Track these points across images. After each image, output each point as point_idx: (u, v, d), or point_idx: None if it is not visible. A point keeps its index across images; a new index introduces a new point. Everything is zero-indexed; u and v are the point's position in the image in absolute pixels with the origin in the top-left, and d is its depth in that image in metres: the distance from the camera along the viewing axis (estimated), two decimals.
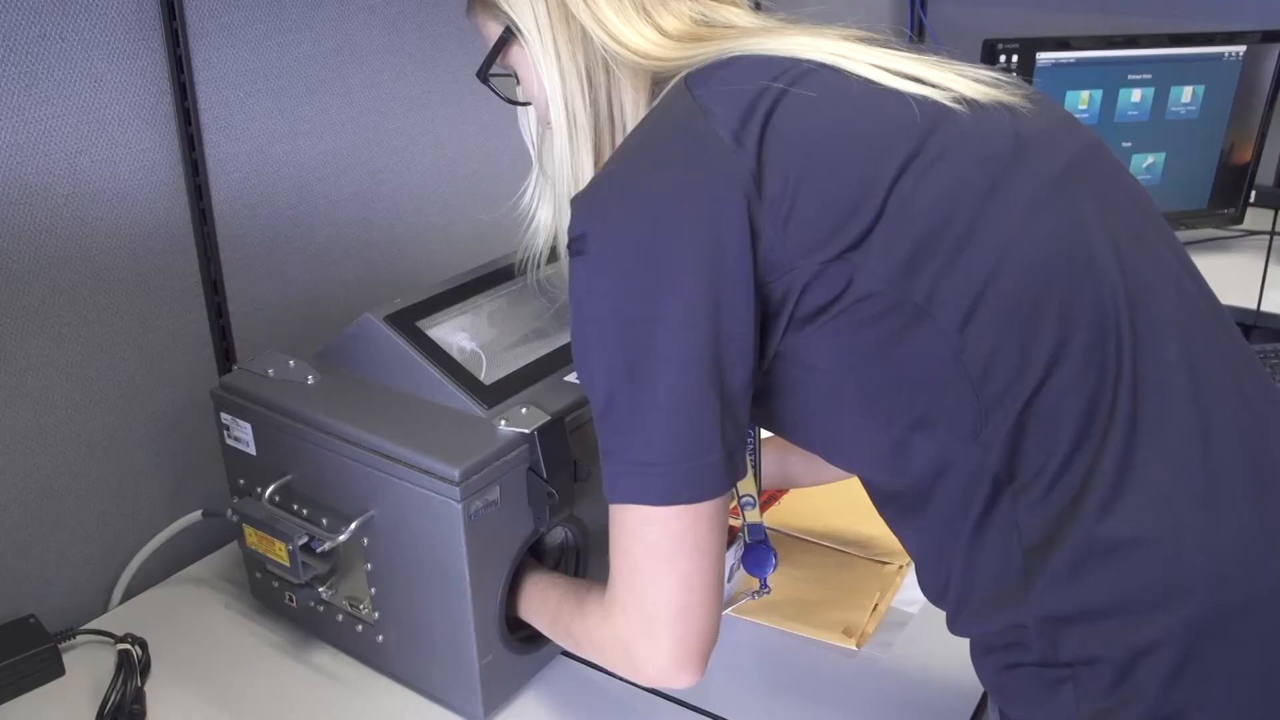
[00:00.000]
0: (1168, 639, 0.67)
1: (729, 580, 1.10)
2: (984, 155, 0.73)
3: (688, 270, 0.70)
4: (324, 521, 1.01)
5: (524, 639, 1.04)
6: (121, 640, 1.08)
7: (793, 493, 1.35)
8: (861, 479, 0.84)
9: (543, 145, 0.92)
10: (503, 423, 0.97)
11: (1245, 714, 0.67)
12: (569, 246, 0.74)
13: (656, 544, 0.74)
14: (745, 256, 0.70)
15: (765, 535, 1.08)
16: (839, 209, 0.70)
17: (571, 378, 1.06)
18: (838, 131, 0.73)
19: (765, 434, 1.10)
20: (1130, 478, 0.69)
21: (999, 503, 0.72)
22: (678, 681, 0.77)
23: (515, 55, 0.88)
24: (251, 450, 1.07)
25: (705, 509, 0.74)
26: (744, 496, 1.06)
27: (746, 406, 0.74)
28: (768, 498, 1.34)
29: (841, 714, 1.01)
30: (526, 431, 0.96)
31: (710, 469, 0.72)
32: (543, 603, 0.96)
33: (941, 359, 0.71)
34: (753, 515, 1.06)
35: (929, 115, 0.74)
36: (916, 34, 2.76)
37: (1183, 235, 1.68)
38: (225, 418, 1.08)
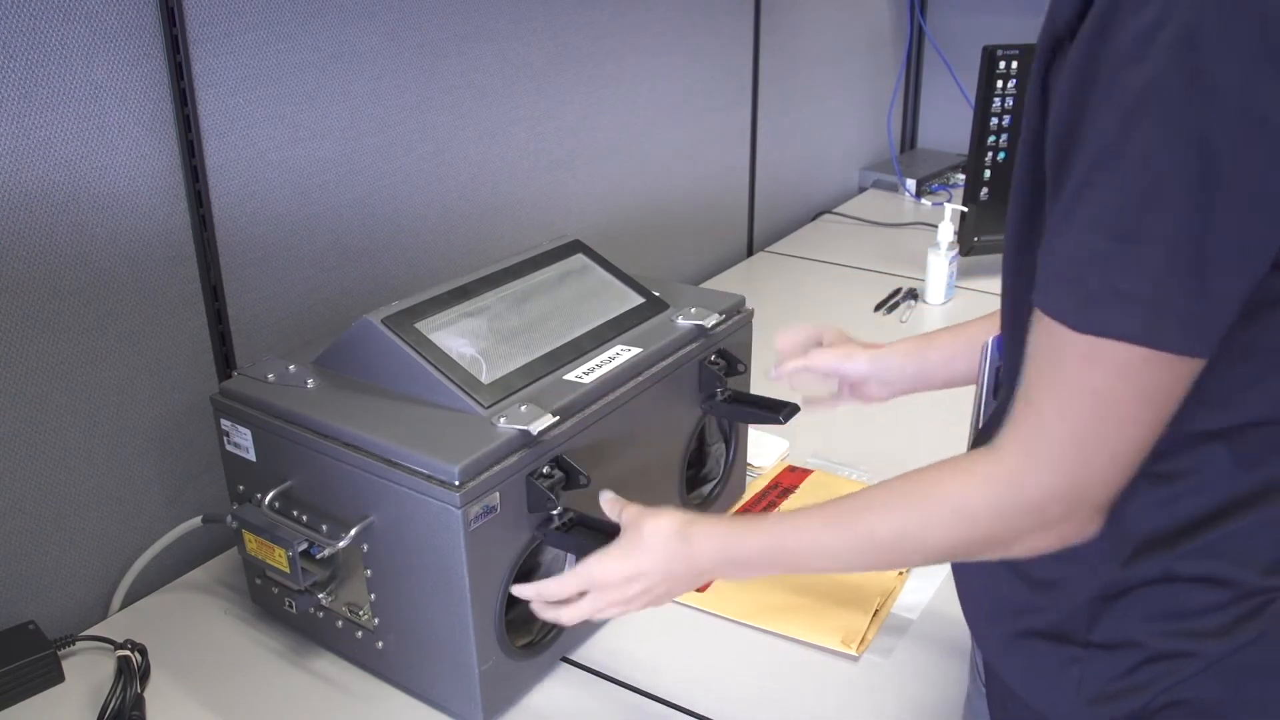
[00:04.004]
0: None
1: None
2: None
3: None
4: (324, 527, 1.01)
5: (524, 645, 1.04)
6: (121, 646, 1.08)
7: (793, 499, 1.35)
8: None
9: None
10: (503, 420, 0.97)
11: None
12: None
13: (1128, 392, 0.63)
14: None
15: None
16: None
17: (571, 376, 1.06)
18: None
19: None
20: None
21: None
22: (1088, 530, 0.68)
23: None
24: (251, 456, 1.07)
25: (1186, 371, 0.62)
26: None
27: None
28: (766, 504, 1.34)
29: None
30: (526, 428, 0.96)
31: (1220, 323, 0.60)
32: (777, 522, 0.81)
33: None
34: None
35: None
36: (916, 40, 2.77)
37: None
38: (225, 424, 1.08)
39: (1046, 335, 0.64)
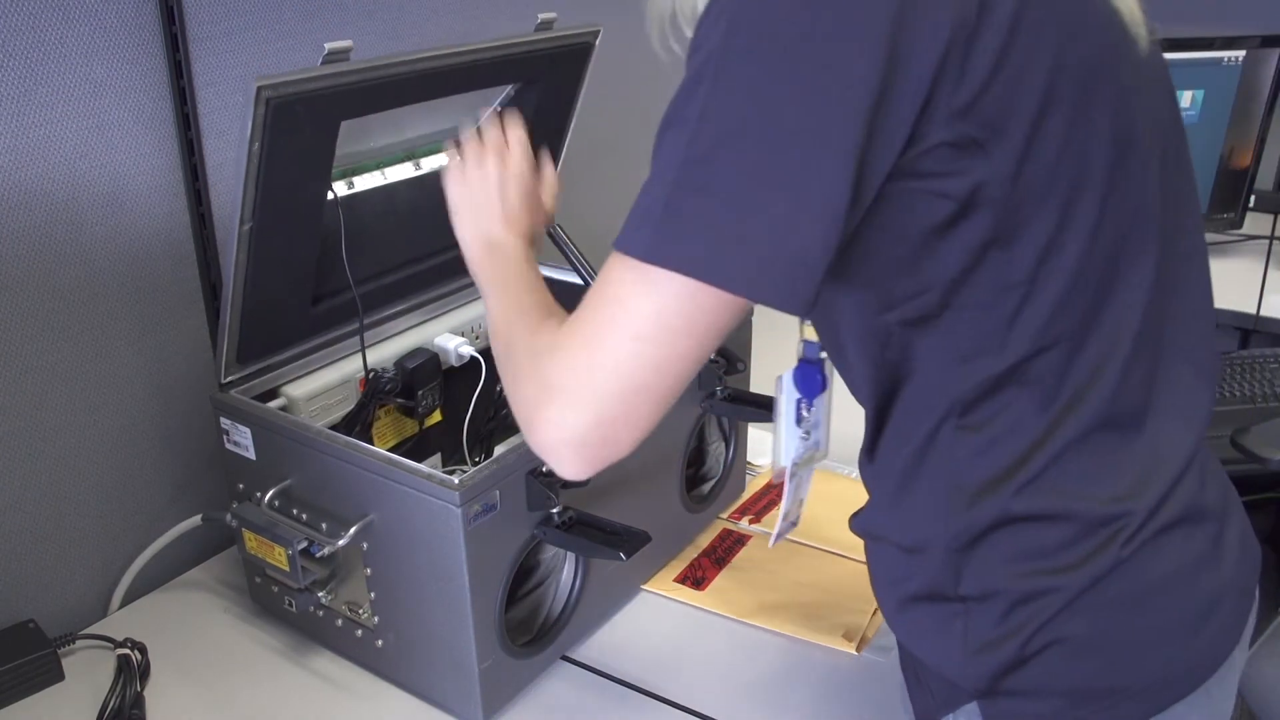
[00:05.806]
0: None
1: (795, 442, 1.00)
2: (1156, 119, 0.73)
3: (867, 37, 0.61)
4: (323, 526, 1.01)
5: (524, 644, 1.04)
6: (121, 645, 1.08)
7: None
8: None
9: None
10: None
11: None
12: None
13: (667, 319, 0.66)
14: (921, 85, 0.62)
15: (819, 356, 0.97)
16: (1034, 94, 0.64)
17: None
18: (1072, 5, 0.66)
19: None
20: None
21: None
22: (564, 461, 0.70)
23: None
24: (251, 455, 1.07)
25: (735, 310, 0.67)
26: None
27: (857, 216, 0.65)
28: (766, 502, 1.34)
29: (841, 718, 1.01)
30: None
31: (801, 269, 0.64)
32: (516, 277, 0.89)
33: None
34: (810, 332, 0.97)
35: (1125, 36, 0.70)
36: None
37: None
38: (225, 422, 1.08)
39: (617, 264, 0.70)
